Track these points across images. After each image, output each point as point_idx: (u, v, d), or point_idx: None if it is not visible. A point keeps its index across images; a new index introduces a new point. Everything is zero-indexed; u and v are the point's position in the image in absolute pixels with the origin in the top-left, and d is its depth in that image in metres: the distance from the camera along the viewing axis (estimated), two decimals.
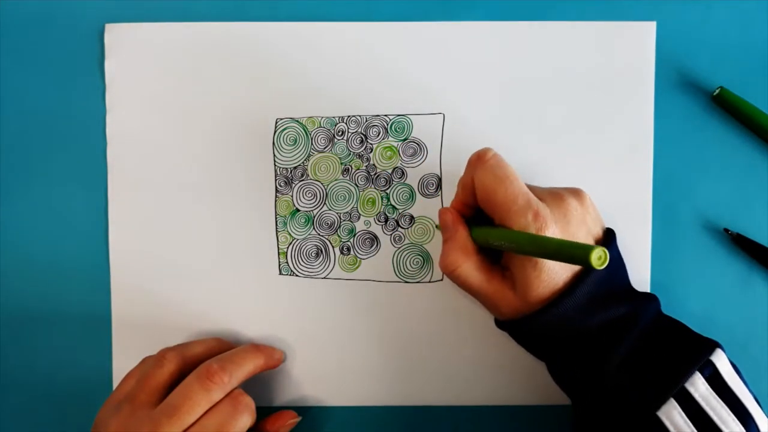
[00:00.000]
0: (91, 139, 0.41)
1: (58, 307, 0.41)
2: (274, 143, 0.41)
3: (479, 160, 0.34)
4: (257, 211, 0.41)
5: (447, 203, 0.40)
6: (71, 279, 0.41)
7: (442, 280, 0.40)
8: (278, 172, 0.41)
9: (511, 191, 0.32)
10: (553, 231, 0.32)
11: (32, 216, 0.41)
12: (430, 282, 0.40)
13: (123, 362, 0.40)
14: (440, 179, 0.40)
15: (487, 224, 0.34)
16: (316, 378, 0.40)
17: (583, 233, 0.33)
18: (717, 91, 0.39)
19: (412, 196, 0.41)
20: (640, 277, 0.40)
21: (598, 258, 0.27)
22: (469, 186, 0.34)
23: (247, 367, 0.37)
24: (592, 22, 0.40)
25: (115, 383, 0.40)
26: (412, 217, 0.40)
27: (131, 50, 0.41)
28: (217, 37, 0.41)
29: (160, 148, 0.41)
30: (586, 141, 0.40)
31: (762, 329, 0.40)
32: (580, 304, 0.32)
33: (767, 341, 0.40)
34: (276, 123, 0.41)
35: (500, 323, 0.35)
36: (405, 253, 0.40)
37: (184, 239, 0.41)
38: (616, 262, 0.34)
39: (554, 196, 0.33)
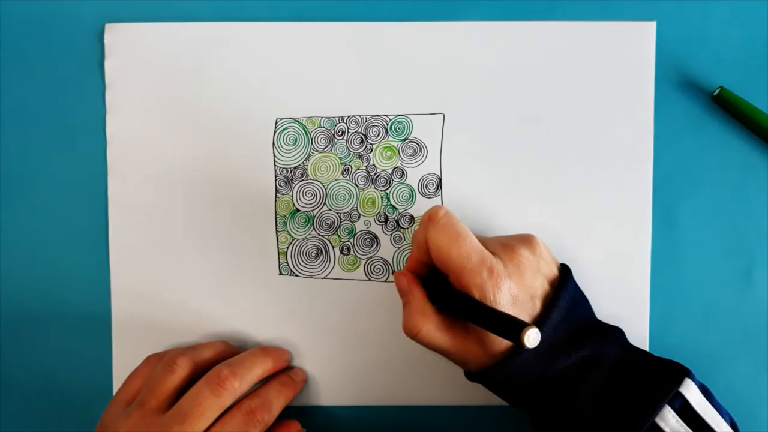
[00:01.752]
0: (91, 139, 0.41)
1: (58, 307, 0.41)
2: (274, 143, 0.41)
3: (430, 220, 0.34)
4: (257, 211, 0.41)
5: (447, 203, 0.40)
6: (71, 279, 0.41)
7: None
8: (278, 172, 0.41)
9: (464, 250, 0.32)
10: (508, 286, 0.32)
11: (32, 216, 0.41)
12: None
13: (123, 362, 0.40)
14: (440, 179, 0.40)
15: (444, 281, 0.34)
16: (316, 378, 0.40)
17: (539, 281, 0.33)
18: (717, 91, 0.39)
19: (412, 196, 0.41)
20: (641, 278, 0.40)
21: (528, 337, 0.28)
22: (422, 245, 0.34)
23: (257, 371, 0.37)
24: (592, 22, 0.40)
25: (116, 383, 0.40)
26: (412, 217, 0.40)
27: (131, 50, 0.41)
28: (217, 37, 0.41)
29: (160, 148, 0.41)
30: (586, 141, 0.40)
31: (762, 328, 0.40)
32: (539, 353, 0.32)
33: (767, 340, 0.40)
34: (276, 123, 0.41)
35: (470, 375, 0.35)
36: (405, 253, 0.40)
37: (184, 239, 0.41)
38: (574, 303, 0.34)
39: (506, 249, 0.33)
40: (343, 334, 0.40)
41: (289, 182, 0.41)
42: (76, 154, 0.41)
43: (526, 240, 0.34)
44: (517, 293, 0.32)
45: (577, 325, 0.34)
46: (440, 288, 0.35)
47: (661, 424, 0.31)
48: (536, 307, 0.33)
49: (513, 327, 0.29)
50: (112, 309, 0.40)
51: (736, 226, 0.40)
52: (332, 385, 0.40)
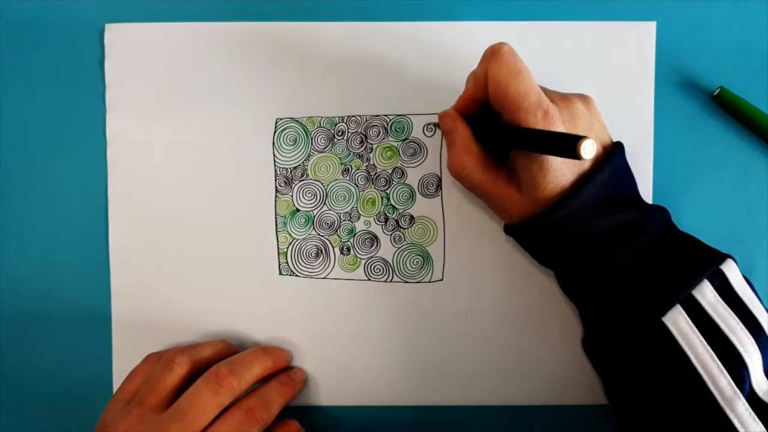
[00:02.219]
0: (91, 139, 0.41)
1: (58, 306, 0.41)
2: (274, 143, 0.41)
3: (494, 54, 0.33)
4: (257, 211, 0.41)
5: (447, 203, 0.40)
6: (71, 279, 0.41)
7: (442, 280, 0.40)
8: (278, 172, 0.41)
9: (523, 87, 0.32)
10: (560, 130, 0.32)
11: (32, 216, 0.41)
12: (430, 282, 0.40)
13: (123, 362, 0.40)
14: (440, 179, 0.40)
15: (492, 122, 0.34)
16: (316, 378, 0.40)
17: (591, 137, 0.32)
18: (717, 91, 0.39)
19: (412, 196, 0.41)
20: None
21: (584, 148, 0.27)
22: (481, 79, 0.34)
23: (256, 370, 0.37)
24: (592, 22, 0.40)
25: (116, 383, 0.40)
26: (412, 217, 0.40)
27: (131, 50, 0.41)
28: (217, 37, 0.41)
29: (160, 148, 0.41)
30: None
31: None
32: (586, 205, 0.32)
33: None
34: (276, 123, 0.41)
35: (508, 228, 0.35)
36: (405, 253, 0.40)
37: (184, 239, 0.41)
38: (623, 171, 0.34)
39: (564, 100, 0.33)
40: (343, 334, 0.40)
41: (289, 182, 0.41)
42: (76, 154, 0.41)
43: (583, 98, 0.34)
44: None
45: (624, 191, 0.33)
46: (490, 122, 0.34)
47: (698, 297, 0.30)
48: (584, 162, 0.32)
49: (568, 141, 0.27)
50: (112, 309, 0.40)
51: (736, 226, 0.40)
52: (332, 385, 0.40)
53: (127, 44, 0.41)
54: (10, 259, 0.41)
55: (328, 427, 0.40)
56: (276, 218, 0.41)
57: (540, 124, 0.31)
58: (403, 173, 0.41)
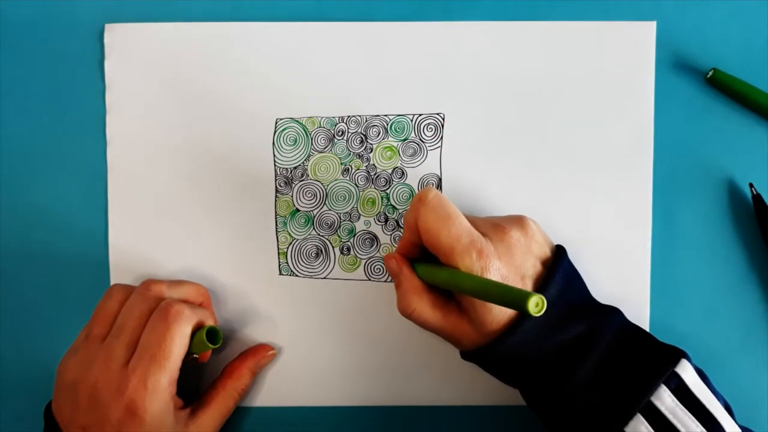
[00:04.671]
0: (91, 139, 0.41)
1: (58, 306, 0.41)
2: (274, 143, 0.41)
3: (420, 201, 0.34)
4: (257, 211, 0.41)
5: None
6: (71, 278, 0.41)
7: None
8: (278, 172, 0.41)
9: (454, 231, 0.32)
10: (497, 267, 0.32)
11: (32, 216, 0.41)
12: None
13: None
14: (440, 179, 0.40)
15: (434, 262, 0.35)
16: (316, 378, 0.40)
17: (530, 263, 0.33)
18: (710, 72, 0.39)
19: (412, 196, 0.41)
20: (640, 276, 0.40)
21: (536, 305, 0.28)
22: (413, 226, 0.34)
23: (189, 286, 0.38)
24: (592, 22, 0.40)
25: None
26: None
27: (131, 50, 0.41)
28: (217, 37, 0.41)
29: (160, 148, 0.41)
30: (586, 141, 0.40)
31: (761, 327, 0.40)
32: (536, 329, 0.32)
33: (766, 340, 0.40)
34: (276, 123, 0.41)
35: (465, 354, 0.36)
36: None
37: (184, 239, 0.41)
38: (569, 280, 0.34)
39: (497, 229, 0.33)
40: (343, 334, 0.40)
41: (289, 182, 0.41)
42: (76, 154, 0.41)
43: (518, 221, 0.34)
44: (506, 274, 0.32)
45: (573, 303, 0.33)
46: (434, 265, 0.34)
47: (657, 403, 0.31)
48: (527, 287, 0.33)
49: (518, 295, 0.28)
50: None
51: (736, 226, 0.40)
52: (332, 385, 0.40)
53: (127, 44, 0.41)
54: (10, 258, 0.41)
55: (328, 427, 0.40)
56: (276, 218, 0.41)
57: (476, 265, 0.32)
58: (403, 173, 0.41)
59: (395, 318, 0.40)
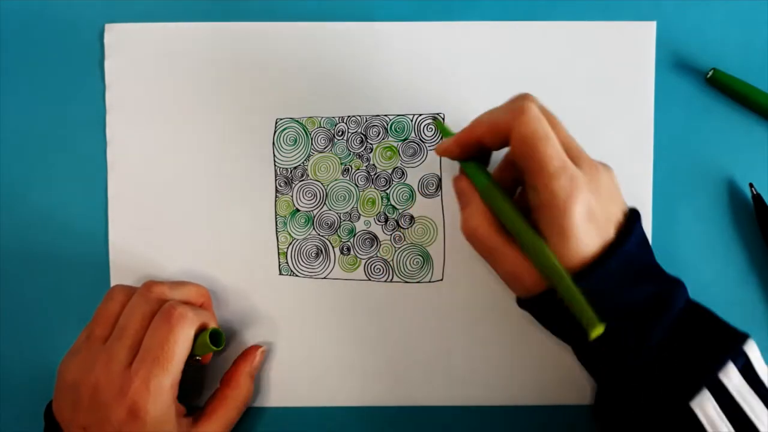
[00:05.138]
0: (91, 139, 0.41)
1: (58, 307, 0.41)
2: (274, 143, 0.41)
3: (522, 112, 0.31)
4: (257, 211, 0.41)
5: (447, 204, 0.40)
6: (71, 279, 0.41)
7: (442, 280, 0.40)
8: (278, 172, 0.41)
9: (549, 150, 0.30)
10: (586, 198, 0.30)
11: (32, 216, 0.41)
12: (430, 282, 0.40)
13: None
14: (440, 179, 0.40)
15: (484, 171, 0.34)
16: (316, 378, 0.40)
17: (615, 208, 0.32)
18: (710, 72, 0.39)
19: (412, 196, 0.41)
20: None
21: (595, 333, 0.28)
22: (502, 130, 0.32)
23: (190, 288, 0.38)
24: (592, 22, 0.40)
25: None
26: (412, 217, 0.41)
27: (131, 50, 0.41)
28: (217, 37, 0.41)
29: (160, 148, 0.41)
30: (586, 141, 0.40)
31: (761, 327, 0.40)
32: (612, 278, 0.30)
33: (766, 339, 0.40)
34: (276, 123, 0.41)
35: (522, 302, 0.33)
36: (405, 253, 0.40)
37: (184, 239, 0.41)
38: (644, 242, 0.33)
39: (590, 167, 0.32)
40: (343, 334, 0.40)
41: (289, 182, 0.41)
42: (76, 154, 0.41)
43: (608, 169, 0.33)
44: (594, 209, 0.30)
45: (645, 264, 0.32)
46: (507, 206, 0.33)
47: (725, 380, 0.30)
48: (610, 232, 0.31)
49: (588, 314, 0.28)
50: None
51: (736, 226, 0.40)
52: (332, 385, 0.40)
53: (127, 44, 0.41)
54: (10, 258, 0.41)
55: (328, 427, 0.40)
56: (276, 218, 0.41)
57: (566, 189, 0.30)
58: (403, 173, 0.41)
59: (395, 318, 0.40)
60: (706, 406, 0.30)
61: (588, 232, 0.30)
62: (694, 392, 0.30)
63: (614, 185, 0.33)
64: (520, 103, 0.31)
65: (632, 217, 0.33)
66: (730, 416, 0.29)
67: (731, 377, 0.30)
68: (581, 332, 0.30)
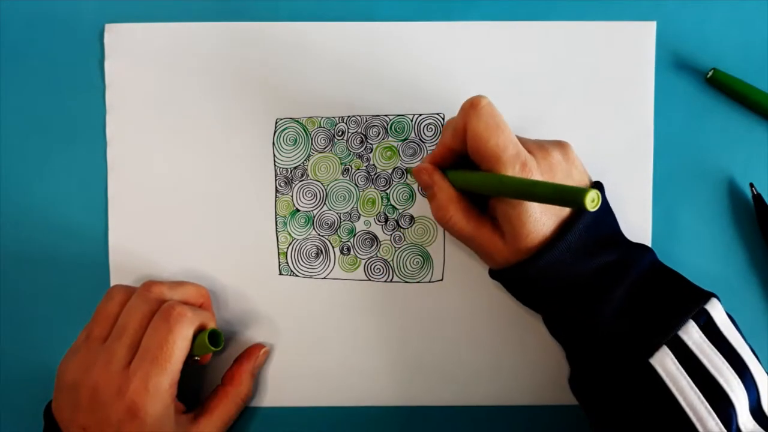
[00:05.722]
0: (91, 139, 0.41)
1: (58, 307, 0.41)
2: (274, 143, 0.41)
3: (473, 107, 0.33)
4: (257, 211, 0.41)
5: None
6: (71, 279, 0.41)
7: (442, 280, 0.40)
8: (278, 172, 0.41)
9: (502, 141, 0.32)
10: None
11: (32, 216, 0.41)
12: (430, 282, 0.40)
13: None
14: None
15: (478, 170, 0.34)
16: (316, 378, 0.40)
17: (571, 184, 0.33)
18: (710, 72, 0.39)
19: (412, 196, 0.41)
20: None
21: (592, 200, 0.27)
22: (460, 132, 0.34)
23: (189, 288, 0.38)
24: (592, 22, 0.40)
25: None
26: (412, 217, 0.40)
27: (131, 50, 0.41)
28: (217, 37, 0.41)
29: (160, 148, 0.41)
30: (586, 141, 0.40)
31: (762, 327, 0.40)
32: (570, 251, 0.32)
33: (767, 339, 0.40)
34: (276, 123, 0.41)
35: (493, 273, 0.36)
36: (405, 253, 0.40)
37: (184, 239, 0.41)
38: (604, 211, 0.34)
39: (541, 149, 0.34)
40: (343, 334, 0.40)
41: (289, 182, 0.41)
42: (76, 154, 0.41)
43: (561, 145, 0.34)
44: None
45: (607, 233, 0.34)
46: (471, 171, 0.34)
47: (684, 337, 0.31)
48: (564, 209, 0.33)
49: (573, 191, 0.27)
50: None
51: (736, 226, 0.40)
52: (332, 385, 0.40)
53: (127, 44, 0.41)
54: (10, 258, 0.41)
55: (327, 427, 0.40)
56: (276, 218, 0.41)
57: (518, 176, 0.32)
58: (403, 173, 0.41)
59: (395, 318, 0.40)
60: (665, 362, 0.30)
61: (543, 213, 0.32)
62: (653, 349, 0.31)
63: (569, 161, 0.34)
64: (470, 101, 0.33)
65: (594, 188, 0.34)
66: (689, 370, 0.30)
67: (691, 334, 0.31)
68: (546, 300, 0.33)
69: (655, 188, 0.40)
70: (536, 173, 0.32)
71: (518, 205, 0.32)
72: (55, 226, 0.41)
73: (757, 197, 0.39)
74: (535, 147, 0.34)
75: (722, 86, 0.39)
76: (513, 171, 0.32)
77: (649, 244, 0.40)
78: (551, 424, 0.40)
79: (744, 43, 0.40)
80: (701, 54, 0.40)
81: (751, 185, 0.39)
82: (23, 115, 0.41)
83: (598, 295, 0.32)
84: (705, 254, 0.40)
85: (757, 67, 0.40)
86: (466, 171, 0.35)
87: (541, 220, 0.32)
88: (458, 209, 0.35)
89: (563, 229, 0.32)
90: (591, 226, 0.33)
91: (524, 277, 0.33)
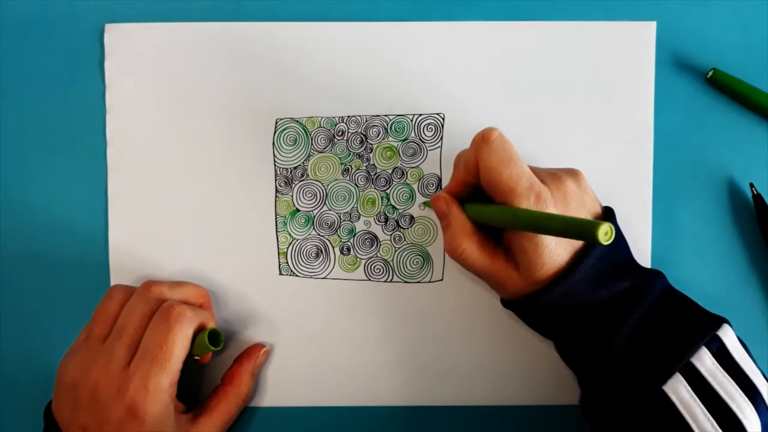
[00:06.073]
0: (91, 139, 0.41)
1: (58, 307, 0.41)
2: (274, 143, 0.41)
3: (484, 140, 0.33)
4: (257, 211, 0.41)
5: None
6: (71, 279, 0.41)
7: (442, 280, 0.40)
8: (278, 172, 0.41)
9: (515, 173, 0.32)
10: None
11: (32, 216, 0.41)
12: (430, 282, 0.40)
13: None
14: (440, 179, 0.40)
15: (486, 203, 0.35)
16: (316, 378, 0.40)
17: (583, 214, 0.34)
18: (710, 72, 0.39)
19: (412, 196, 0.41)
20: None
21: (605, 234, 0.27)
22: (472, 165, 0.34)
23: (189, 287, 0.38)
24: (592, 22, 0.40)
25: None
26: (412, 217, 0.41)
27: (131, 50, 0.41)
28: (217, 37, 0.41)
29: (160, 148, 0.41)
30: (586, 141, 0.40)
31: (762, 327, 0.40)
32: (583, 281, 0.32)
33: (767, 339, 0.40)
34: (276, 123, 0.41)
35: (506, 303, 0.36)
36: (405, 253, 0.40)
37: (184, 239, 0.41)
38: (617, 239, 0.34)
39: (554, 179, 0.33)
40: (343, 334, 0.40)
41: (289, 182, 0.41)
42: (76, 154, 0.41)
43: (573, 173, 0.35)
44: None
45: (620, 261, 0.34)
46: (485, 204, 0.34)
47: (697, 365, 0.31)
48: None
49: (586, 225, 0.27)
50: None
51: (736, 226, 0.40)
52: (332, 385, 0.40)
53: (127, 44, 0.41)
54: (10, 258, 0.41)
55: (328, 428, 0.40)
56: (276, 218, 0.41)
57: (533, 208, 0.32)
58: (403, 173, 0.41)
59: (395, 318, 0.40)
60: (678, 389, 0.31)
61: (558, 244, 0.32)
62: (666, 376, 0.31)
63: (582, 189, 0.34)
64: (482, 134, 0.33)
65: (606, 217, 0.35)
66: (702, 396, 0.30)
67: (704, 361, 0.31)
68: (560, 328, 0.33)
69: (655, 188, 0.40)
70: (550, 204, 0.32)
71: (534, 237, 0.32)
72: (55, 226, 0.41)
73: (757, 197, 0.39)
74: (548, 176, 0.34)
75: (722, 86, 0.39)
76: (527, 203, 0.32)
77: (649, 244, 0.40)
78: (551, 424, 0.40)
79: (744, 43, 0.40)
80: (701, 54, 0.40)
81: (751, 185, 0.39)
82: (23, 115, 0.41)
83: (611, 324, 0.32)
84: (705, 254, 0.40)
85: (757, 67, 0.40)
86: (482, 204, 0.35)
87: (556, 251, 0.32)
88: (472, 241, 0.34)
89: (577, 259, 0.32)
90: (605, 256, 0.33)
91: (537, 307, 0.33)
